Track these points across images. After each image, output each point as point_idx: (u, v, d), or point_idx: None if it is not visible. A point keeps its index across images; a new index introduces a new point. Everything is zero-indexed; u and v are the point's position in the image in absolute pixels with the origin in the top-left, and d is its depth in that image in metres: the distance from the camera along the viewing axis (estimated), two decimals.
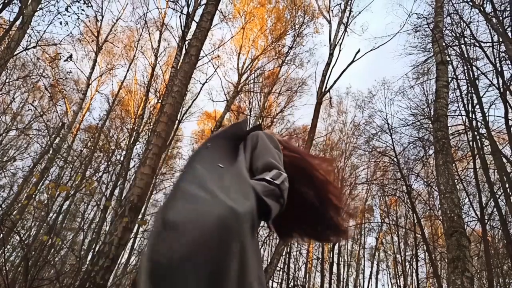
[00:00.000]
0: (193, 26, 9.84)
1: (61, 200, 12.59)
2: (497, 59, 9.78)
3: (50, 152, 12.08)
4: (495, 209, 10.31)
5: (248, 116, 16.00)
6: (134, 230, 16.09)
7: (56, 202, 12.51)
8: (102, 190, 13.29)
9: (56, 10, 8.35)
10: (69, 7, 8.40)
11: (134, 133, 13.01)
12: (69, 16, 8.42)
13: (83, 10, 8.65)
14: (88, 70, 14.47)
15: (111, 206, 9.70)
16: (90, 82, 14.51)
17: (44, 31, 9.04)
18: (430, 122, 10.96)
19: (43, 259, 5.03)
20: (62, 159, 12.75)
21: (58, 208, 11.03)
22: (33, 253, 5.25)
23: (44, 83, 12.09)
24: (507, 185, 8.77)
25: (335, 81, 11.04)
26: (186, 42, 9.10)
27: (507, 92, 9.56)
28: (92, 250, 10.47)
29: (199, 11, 9.89)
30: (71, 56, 8.35)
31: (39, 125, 16.41)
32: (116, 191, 12.16)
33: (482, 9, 9.87)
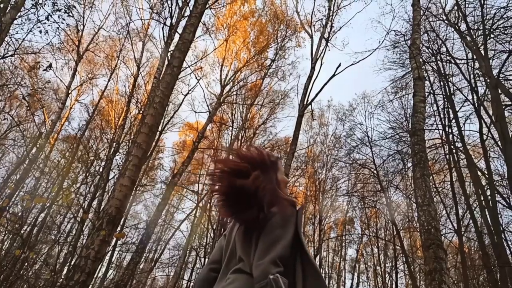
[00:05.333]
0: (176, 37, 9.87)
1: (36, 212, 12.24)
2: (472, 75, 10.14)
3: (26, 162, 11.75)
4: (471, 221, 10.55)
5: (231, 128, 16.03)
6: (112, 243, 15.75)
7: (31, 214, 12.16)
8: (79, 202, 12.97)
9: (36, 19, 8.22)
10: (49, 16, 8.29)
11: (114, 143, 12.81)
12: (49, 25, 8.30)
13: (63, 19, 8.52)
14: (68, 79, 14.24)
15: (88, 219, 9.46)
16: (69, 91, 14.26)
17: (23, 39, 8.87)
18: (408, 136, 11.22)
19: (15, 273, 4.85)
20: (39, 169, 12.41)
21: (33, 220, 10.70)
22: (5, 267, 5.06)
23: (22, 92, 11.80)
24: (482, 198, 9.00)
25: (316, 94, 11.20)
26: (169, 53, 9.09)
27: (481, 107, 9.89)
28: (68, 264, 10.17)
29: (182, 22, 9.93)
30: (50, 65, 8.21)
31: (15, 134, 16.01)
32: (94, 203, 11.90)
33: (457, 28, 10.26)
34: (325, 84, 11.05)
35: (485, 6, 8.96)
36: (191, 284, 17.77)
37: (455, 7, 10.12)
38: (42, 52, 11.27)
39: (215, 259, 1.63)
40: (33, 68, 10.28)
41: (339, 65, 10.80)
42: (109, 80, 15.52)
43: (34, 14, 8.22)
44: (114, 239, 12.52)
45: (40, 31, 8.40)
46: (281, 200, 1.49)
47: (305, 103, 10.73)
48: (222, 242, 1.66)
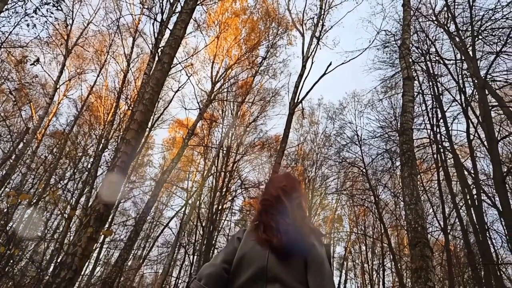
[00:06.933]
0: (167, 33, 9.79)
1: (22, 209, 12.07)
2: (460, 76, 10.27)
3: (12, 158, 11.56)
4: (457, 220, 10.72)
5: (221, 125, 16.00)
6: (100, 240, 15.59)
7: (17, 210, 11.98)
8: (67, 198, 12.81)
9: (24, 12, 8.08)
10: (37, 9, 8.15)
11: (103, 140, 12.68)
12: (37, 19, 8.16)
13: (52, 13, 8.38)
14: (56, 74, 14.02)
15: (76, 216, 9.35)
16: (57, 86, 14.04)
17: (10, 33, 8.71)
18: (397, 135, 11.33)
19: (0, 271, 4.78)
20: (25, 165, 12.23)
21: (19, 217, 10.55)
22: None
23: (9, 86, 11.60)
24: (468, 197, 9.15)
25: (307, 93, 11.22)
26: (159, 50, 9.01)
27: (469, 108, 10.03)
28: (54, 261, 10.05)
29: (173, 18, 9.86)
30: (38, 59, 8.08)
31: (1, 129, 15.73)
32: (82, 200, 11.78)
33: (446, 28, 10.39)
34: (316, 82, 11.09)
35: (473, 7, 9.09)
36: (180, 281, 17.72)
37: (445, 8, 10.25)
38: (29, 46, 11.08)
39: (229, 260, 1.56)
40: (20, 62, 10.12)
41: (330, 64, 10.84)
42: (98, 76, 15.36)
43: (22, 7, 8.08)
44: (102, 236, 12.41)
45: (28, 25, 8.26)
46: (317, 232, 1.61)
47: (295, 101, 10.74)
48: (235, 244, 1.62)
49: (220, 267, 1.53)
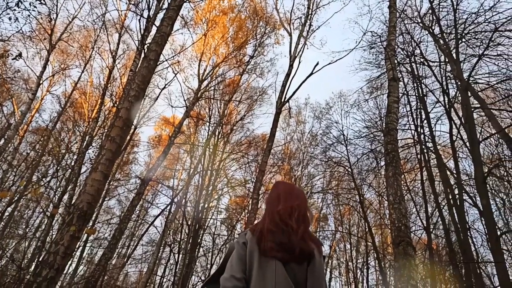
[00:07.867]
0: (154, 30, 9.69)
1: (3, 206, 11.81)
2: (443, 78, 10.44)
3: None
4: (439, 219, 10.90)
5: (208, 123, 15.93)
6: (83, 239, 15.37)
7: None
8: (49, 196, 12.58)
9: (6, 5, 7.89)
10: (20, 2, 7.96)
11: (87, 137, 12.49)
12: (19, 12, 7.97)
13: (35, 6, 8.19)
14: (39, 69, 13.72)
15: (58, 214, 9.20)
16: (41, 82, 13.75)
17: None
18: (382, 135, 11.44)
19: None
20: (6, 162, 11.96)
21: None
22: None
23: None
24: (450, 197, 9.31)
25: (294, 92, 11.26)
26: (146, 46, 8.91)
27: (452, 109, 10.21)
28: (36, 260, 9.87)
29: (160, 15, 9.76)
30: (20, 54, 7.90)
31: None
32: (65, 197, 11.58)
33: (431, 31, 10.55)
34: (303, 82, 11.14)
35: (457, 10, 9.24)
36: (165, 280, 17.60)
37: (430, 11, 10.40)
38: (11, 40, 10.84)
39: (245, 269, 1.57)
40: (1, 56, 9.87)
41: (317, 64, 10.91)
42: (82, 72, 15.12)
43: (3, 0, 7.89)
44: (86, 235, 12.23)
45: (10, 18, 8.07)
46: (317, 241, 1.72)
47: (282, 100, 10.77)
48: (244, 252, 1.61)
49: (243, 281, 1.54)
